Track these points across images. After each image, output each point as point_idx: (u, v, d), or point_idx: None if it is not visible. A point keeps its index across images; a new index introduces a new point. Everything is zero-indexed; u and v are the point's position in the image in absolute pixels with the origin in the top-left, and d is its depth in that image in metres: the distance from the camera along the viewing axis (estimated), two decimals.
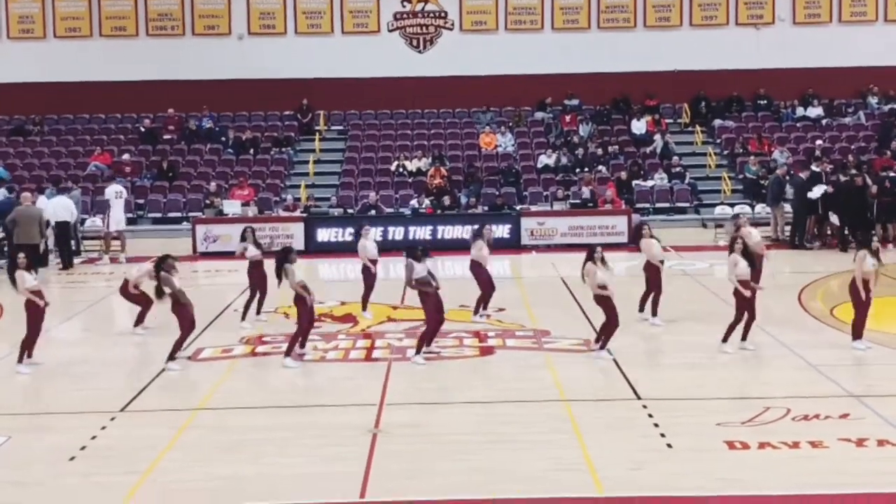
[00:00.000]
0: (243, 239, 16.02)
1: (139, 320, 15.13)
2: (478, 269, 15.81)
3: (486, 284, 15.83)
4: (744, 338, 13.39)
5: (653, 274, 15.17)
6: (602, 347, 13.29)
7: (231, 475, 9.20)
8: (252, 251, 15.77)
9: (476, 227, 17.14)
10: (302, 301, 13.10)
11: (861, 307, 13.21)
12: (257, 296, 15.63)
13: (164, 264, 13.33)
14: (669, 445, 9.78)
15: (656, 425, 10.38)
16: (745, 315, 13.22)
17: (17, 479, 9.22)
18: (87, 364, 13.57)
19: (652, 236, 15.32)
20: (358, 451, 9.70)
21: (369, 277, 16.15)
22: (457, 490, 8.76)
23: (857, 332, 13.36)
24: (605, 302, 13.17)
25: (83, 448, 9.97)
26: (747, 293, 13.13)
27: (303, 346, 13.53)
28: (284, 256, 13.28)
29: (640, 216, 27.21)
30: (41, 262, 21.78)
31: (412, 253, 13.41)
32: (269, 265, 14.24)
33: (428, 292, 13.22)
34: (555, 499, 8.58)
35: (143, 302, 14.92)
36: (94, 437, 10.30)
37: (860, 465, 9.18)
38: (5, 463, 9.67)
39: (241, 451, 9.81)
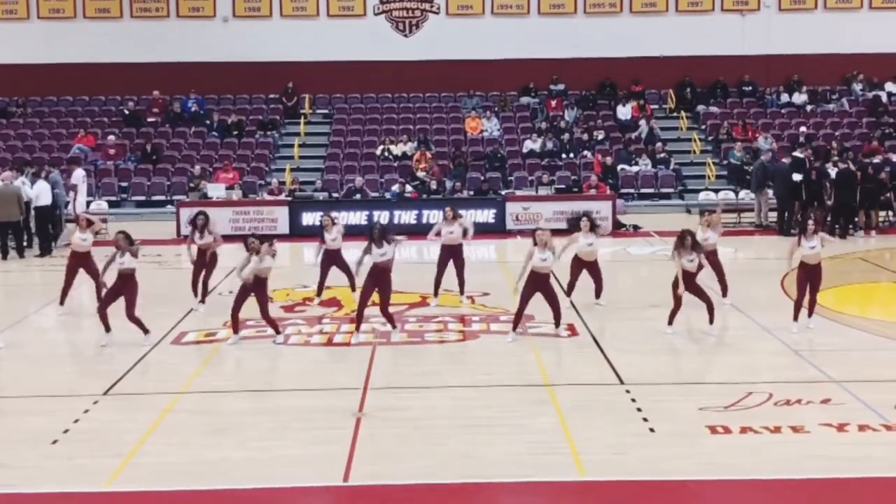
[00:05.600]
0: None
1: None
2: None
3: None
4: (670, 322, 13.61)
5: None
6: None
7: (216, 459, 9.20)
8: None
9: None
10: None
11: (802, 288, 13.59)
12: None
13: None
14: (652, 430, 9.82)
15: (639, 410, 10.43)
16: (677, 301, 13.42)
17: (0, 461, 9.20)
18: (69, 347, 13.54)
19: (593, 228, 15.33)
20: (342, 434, 9.72)
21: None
22: (441, 474, 8.79)
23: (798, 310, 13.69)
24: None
25: (66, 431, 9.95)
26: (680, 289, 13.27)
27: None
28: None
29: (625, 201, 27.34)
30: (30, 244, 21.84)
31: (376, 234, 13.43)
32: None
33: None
34: (538, 482, 8.62)
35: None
36: (76, 421, 10.27)
37: (841, 450, 9.24)
38: None
39: (225, 435, 9.81)
